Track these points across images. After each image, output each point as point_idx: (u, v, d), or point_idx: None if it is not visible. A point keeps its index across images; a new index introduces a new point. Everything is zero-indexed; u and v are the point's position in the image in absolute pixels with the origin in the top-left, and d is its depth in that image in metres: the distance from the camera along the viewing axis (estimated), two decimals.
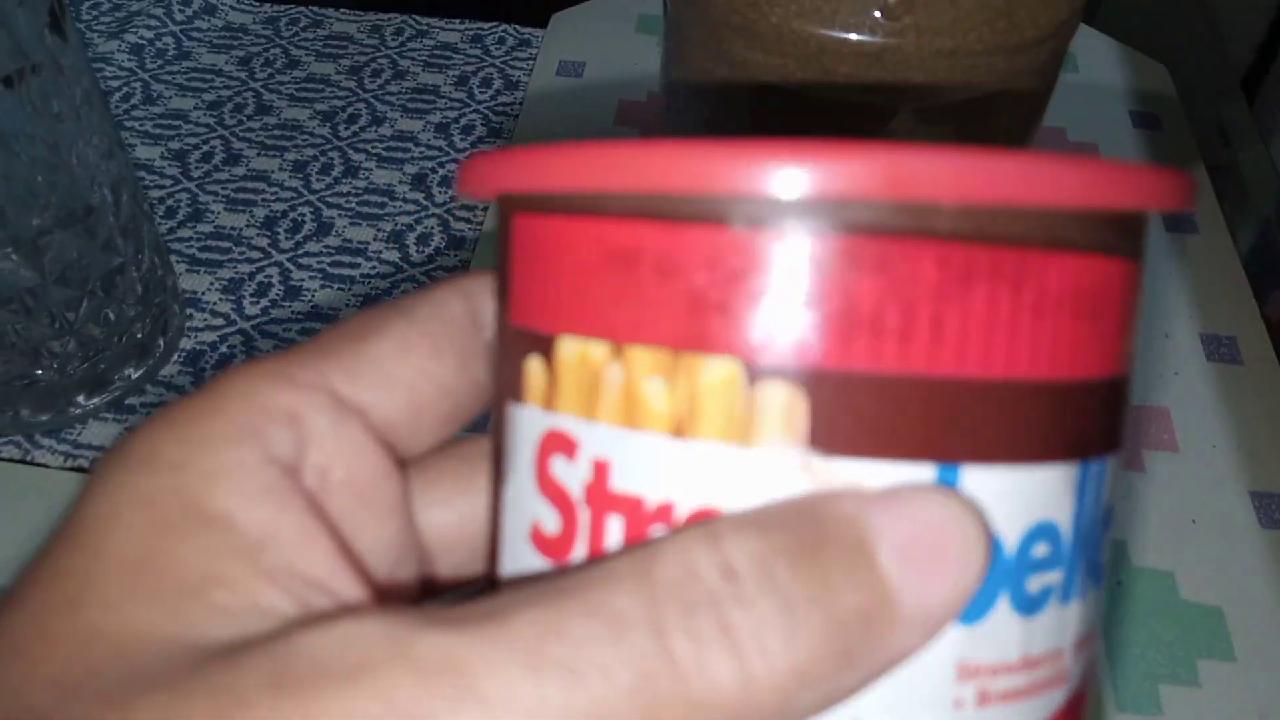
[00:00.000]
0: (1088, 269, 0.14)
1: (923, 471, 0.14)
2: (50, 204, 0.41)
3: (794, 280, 0.14)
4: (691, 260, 0.14)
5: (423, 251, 0.52)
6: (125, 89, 0.61)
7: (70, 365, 0.44)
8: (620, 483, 0.15)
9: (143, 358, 0.46)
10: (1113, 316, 0.15)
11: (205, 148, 0.57)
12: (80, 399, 0.44)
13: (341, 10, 0.66)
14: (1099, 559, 0.16)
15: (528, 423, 0.16)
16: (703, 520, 0.14)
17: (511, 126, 0.59)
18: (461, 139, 0.58)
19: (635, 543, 0.15)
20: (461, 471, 0.20)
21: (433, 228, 0.53)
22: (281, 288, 0.50)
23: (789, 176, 0.13)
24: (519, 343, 0.16)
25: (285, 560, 0.15)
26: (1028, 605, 0.14)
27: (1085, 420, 0.15)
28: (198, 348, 0.47)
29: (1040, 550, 0.15)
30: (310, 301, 0.49)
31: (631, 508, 0.15)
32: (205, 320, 0.48)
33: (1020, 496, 0.14)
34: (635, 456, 0.14)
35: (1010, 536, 0.14)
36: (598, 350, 0.15)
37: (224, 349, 0.47)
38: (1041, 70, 0.39)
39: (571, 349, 0.15)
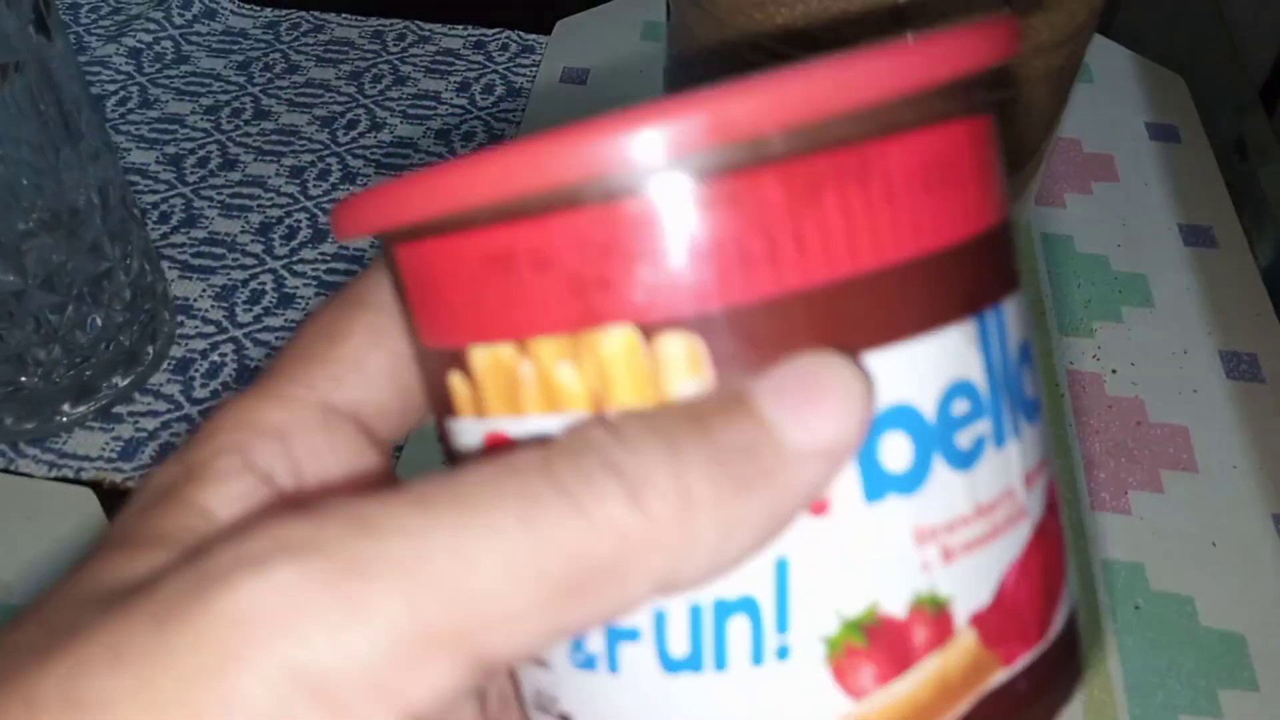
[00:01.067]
0: (925, 143, 0.15)
1: None
2: (35, 207, 0.40)
3: (658, 238, 0.14)
4: (561, 248, 0.15)
5: None
6: (122, 93, 0.60)
7: (56, 372, 0.42)
8: None
9: (131, 365, 0.44)
10: (967, 175, 0.16)
11: (201, 152, 0.56)
12: (66, 407, 0.43)
13: (343, 15, 0.65)
14: (1025, 395, 0.16)
15: (467, 434, 0.17)
16: None
17: (514, 133, 0.58)
18: (463, 145, 0.57)
19: None
20: None
21: None
22: (275, 295, 0.49)
23: (620, 149, 0.14)
24: (437, 362, 0.17)
25: None
26: (964, 459, 0.15)
27: (968, 279, 0.16)
28: (188, 356, 0.46)
29: (961, 407, 0.15)
30: (304, 309, 0.48)
31: None
32: (196, 328, 0.47)
33: (926, 365, 0.15)
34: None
35: (927, 404, 0.15)
36: (505, 351, 0.16)
37: (215, 357, 0.46)
38: (1057, 76, 0.38)
39: (483, 356, 0.16)
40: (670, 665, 0.16)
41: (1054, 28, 0.35)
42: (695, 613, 0.15)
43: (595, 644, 0.16)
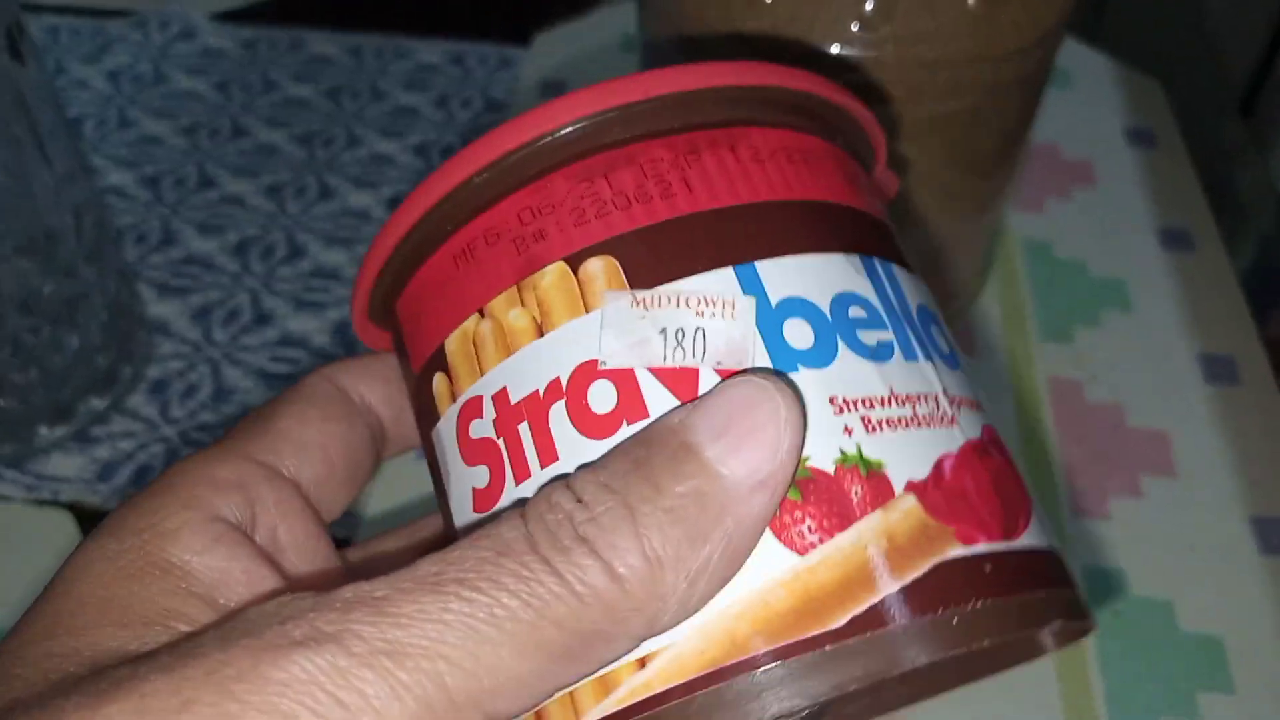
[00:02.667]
0: (784, 136, 0.20)
1: (724, 274, 0.18)
2: (10, 230, 0.40)
3: (577, 193, 0.18)
4: (506, 221, 0.19)
5: None
6: (101, 114, 0.60)
7: (32, 395, 0.42)
8: (517, 394, 0.18)
9: (108, 387, 0.44)
10: (828, 168, 0.20)
11: (179, 172, 0.56)
12: (43, 429, 0.43)
13: (321, 32, 0.66)
14: (939, 345, 0.19)
15: (447, 427, 0.19)
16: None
17: None
18: (441, 160, 0.57)
19: (543, 434, 0.18)
20: (392, 539, 0.24)
21: None
22: (252, 314, 0.49)
23: (547, 133, 0.18)
24: (424, 378, 0.20)
25: (239, 598, 0.18)
26: (871, 354, 0.18)
27: (846, 229, 0.19)
28: (165, 376, 0.46)
29: (856, 311, 0.18)
30: (281, 328, 0.48)
31: (530, 405, 0.18)
32: (174, 348, 0.47)
33: (814, 275, 0.18)
34: (520, 369, 0.18)
35: (821, 301, 0.18)
36: (470, 324, 0.19)
37: (192, 377, 0.46)
38: (1027, 81, 0.38)
39: (454, 339, 0.19)
40: None
41: (1022, 33, 0.35)
42: None
43: None
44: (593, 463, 0.17)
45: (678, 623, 0.16)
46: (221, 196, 0.55)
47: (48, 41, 0.64)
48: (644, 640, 0.16)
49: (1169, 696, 0.37)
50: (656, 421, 0.17)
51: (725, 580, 0.16)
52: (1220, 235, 0.54)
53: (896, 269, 0.20)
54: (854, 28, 0.34)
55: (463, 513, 0.19)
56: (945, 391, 0.19)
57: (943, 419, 0.18)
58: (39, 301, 0.41)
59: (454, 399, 0.19)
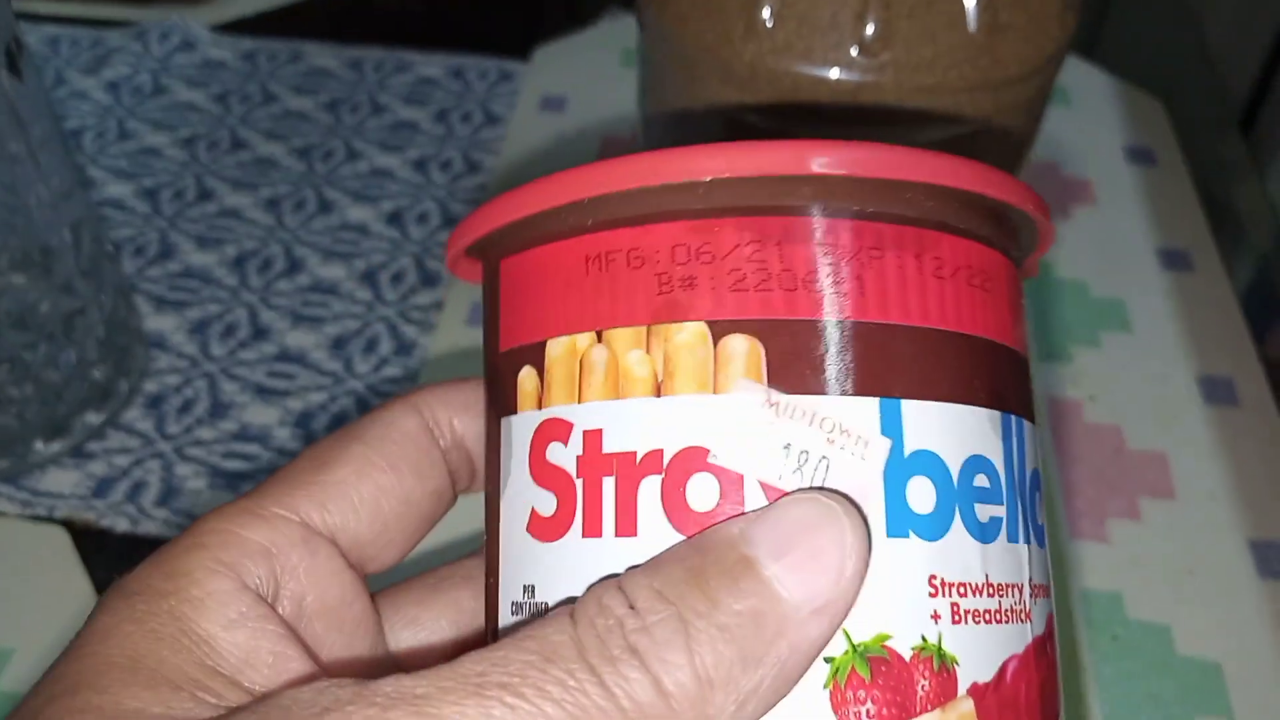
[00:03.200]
0: (971, 249, 0.18)
1: (868, 405, 0.16)
2: (7, 246, 0.40)
3: (744, 253, 0.16)
4: (658, 249, 0.17)
5: (396, 290, 0.50)
6: (100, 126, 0.60)
7: (28, 410, 0.42)
8: (611, 444, 0.17)
9: (104, 401, 0.44)
10: (1002, 294, 0.18)
11: (178, 185, 0.56)
12: (39, 445, 0.43)
13: (321, 44, 0.65)
14: (1036, 515, 0.18)
15: (522, 426, 0.18)
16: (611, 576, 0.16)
17: (492, 163, 0.58)
18: (440, 174, 0.57)
19: (627, 502, 0.16)
20: (426, 595, 0.22)
21: (407, 265, 0.52)
22: (249, 328, 0.48)
23: (731, 167, 0.16)
24: (510, 363, 0.19)
25: (264, 680, 0.17)
26: (981, 531, 0.17)
27: (998, 376, 0.18)
28: (161, 391, 0.46)
29: (981, 480, 0.17)
30: (279, 343, 0.48)
31: (623, 464, 0.17)
32: (170, 362, 0.47)
33: (955, 430, 0.17)
34: (623, 420, 0.17)
35: (953, 462, 0.17)
36: (583, 339, 0.17)
37: (188, 392, 0.46)
38: (1027, 107, 0.38)
39: (560, 345, 0.18)
40: None
41: (1022, 61, 0.35)
42: None
43: None
44: (646, 564, 0.16)
45: None
46: (220, 209, 0.55)
47: (47, 52, 0.64)
48: None
49: None
50: (715, 528, 0.16)
51: (772, 706, 0.16)
52: (1219, 255, 0.54)
53: (1027, 428, 0.18)
54: (853, 53, 0.34)
55: (515, 523, 0.18)
56: (1030, 580, 0.18)
57: (1021, 615, 0.17)
58: (35, 317, 0.41)
59: (539, 406, 0.18)
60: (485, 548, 0.19)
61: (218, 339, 0.48)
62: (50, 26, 0.66)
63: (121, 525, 0.41)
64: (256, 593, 0.18)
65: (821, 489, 0.16)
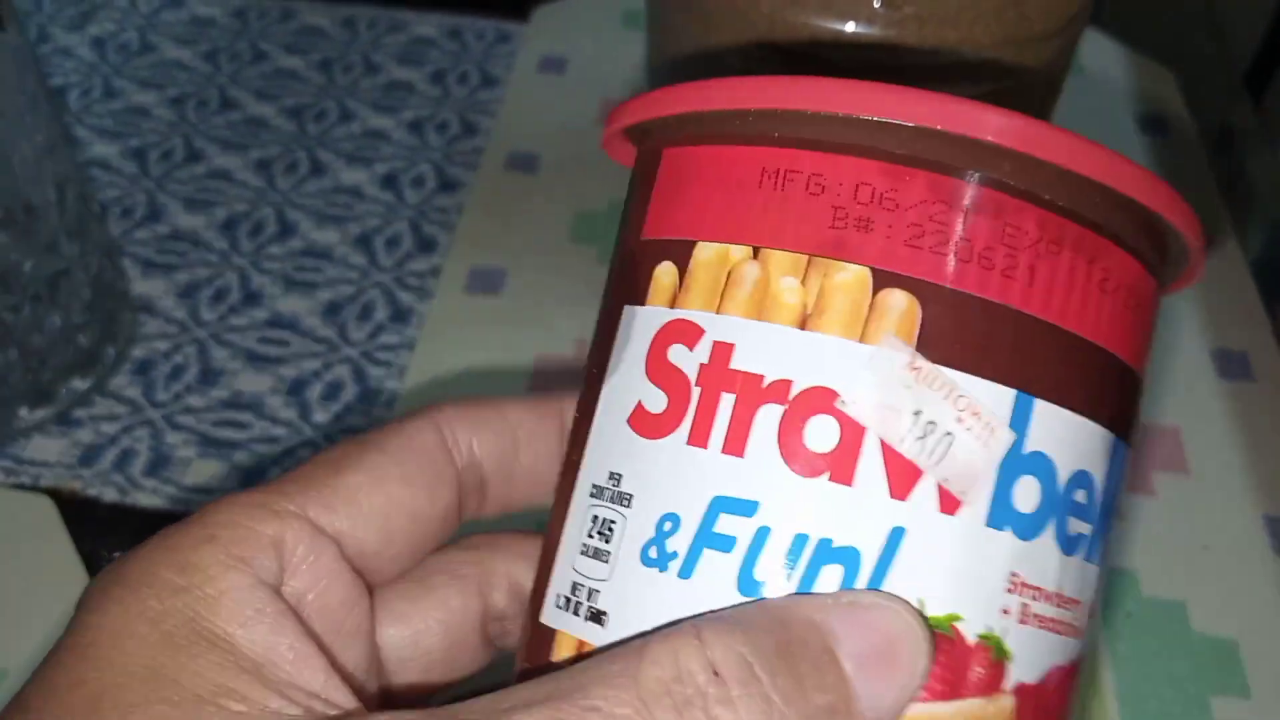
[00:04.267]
0: (1135, 269, 0.18)
1: (1005, 394, 0.16)
2: None
3: (928, 210, 0.16)
4: (842, 182, 0.16)
5: (392, 255, 0.49)
6: (85, 84, 0.58)
7: (11, 376, 0.41)
8: (740, 363, 0.16)
9: (90, 367, 0.43)
10: (1148, 320, 0.18)
11: (166, 145, 0.54)
12: (23, 412, 0.42)
13: (313, 3, 0.64)
14: (1109, 541, 0.19)
15: (646, 320, 0.18)
16: (690, 623, 0.16)
17: (489, 124, 0.56)
18: (436, 136, 0.55)
19: (743, 422, 0.16)
20: (415, 591, 0.21)
21: (402, 230, 0.50)
22: (240, 293, 0.47)
23: (939, 119, 0.16)
24: (649, 253, 0.18)
25: (285, 676, 0.17)
26: (1067, 544, 0.17)
27: (1123, 399, 0.18)
28: (150, 357, 0.44)
29: (1080, 496, 0.17)
30: (270, 308, 0.46)
31: (747, 384, 0.16)
32: (159, 327, 0.46)
33: (1075, 441, 0.17)
34: (759, 341, 0.16)
35: (1063, 473, 0.17)
36: (738, 251, 0.17)
37: (178, 358, 0.44)
38: (1050, 66, 0.37)
39: (710, 250, 0.17)
40: (747, 586, 0.16)
41: (1049, 17, 0.34)
42: (799, 542, 0.16)
43: (678, 543, 0.16)
44: (727, 619, 0.16)
45: None
46: (209, 171, 0.53)
47: (30, 7, 0.63)
48: None
49: (1182, 700, 0.36)
50: (795, 607, 0.16)
51: None
52: (1231, 227, 0.53)
53: (1126, 454, 0.19)
54: (875, 5, 0.33)
55: (616, 411, 0.18)
56: (1091, 600, 0.18)
57: (1077, 630, 0.18)
58: (18, 278, 0.39)
59: (672, 304, 0.17)
60: (573, 428, 0.19)
61: (208, 304, 0.47)
62: None
63: (110, 495, 0.40)
64: (270, 588, 0.18)
65: (905, 604, 0.16)
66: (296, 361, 0.44)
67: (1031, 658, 0.17)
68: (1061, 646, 0.17)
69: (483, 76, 0.59)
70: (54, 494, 0.40)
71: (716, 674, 0.15)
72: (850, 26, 0.33)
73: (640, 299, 0.18)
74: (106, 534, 0.39)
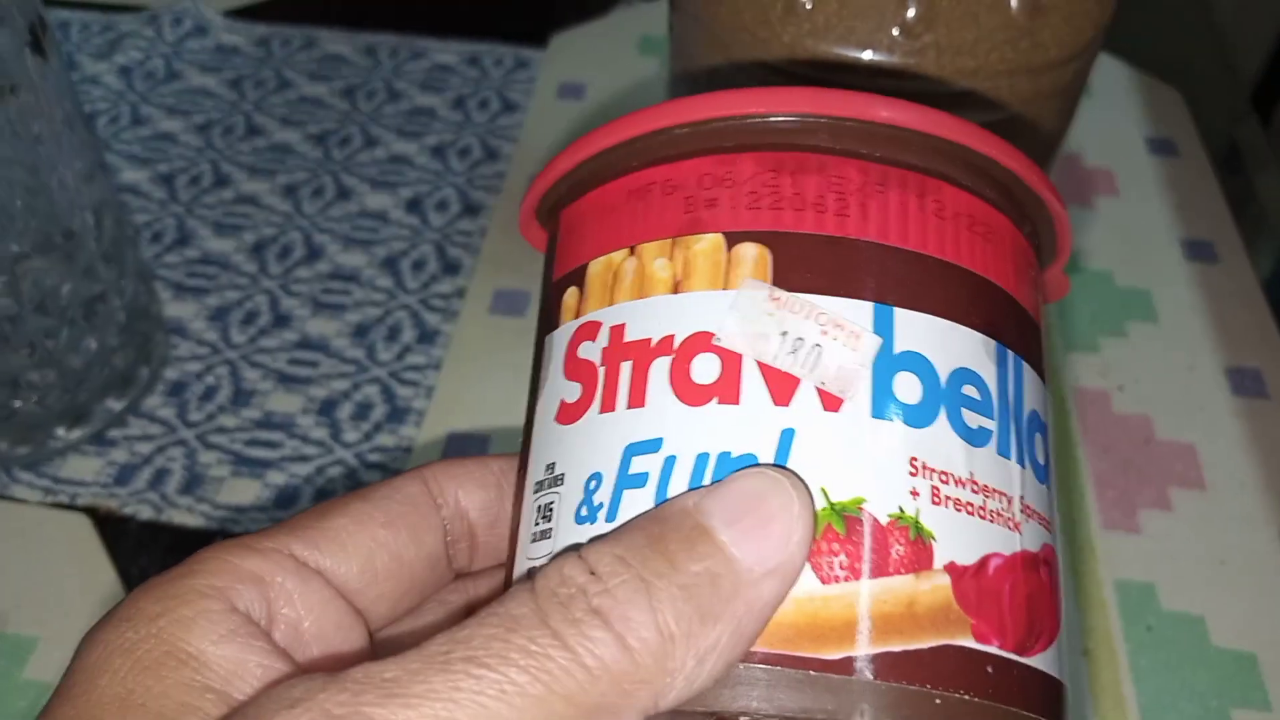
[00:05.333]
0: (974, 203, 0.20)
1: (863, 306, 0.18)
2: (29, 229, 0.39)
3: (760, 179, 0.19)
4: (688, 179, 0.19)
5: (418, 278, 0.50)
6: (113, 111, 0.59)
7: (49, 396, 0.42)
8: (632, 334, 0.19)
9: (125, 388, 0.44)
10: (1005, 248, 0.20)
11: (194, 171, 0.55)
12: (60, 431, 0.42)
13: (335, 30, 0.65)
14: (1035, 454, 0.20)
15: (561, 338, 0.20)
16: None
17: (510, 150, 0.57)
18: (458, 161, 0.56)
19: (640, 379, 0.18)
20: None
21: (428, 253, 0.51)
22: (270, 315, 0.48)
23: (753, 111, 0.19)
24: (558, 288, 0.21)
25: (254, 691, 0.17)
26: (968, 434, 0.18)
27: (994, 310, 0.19)
28: (182, 378, 0.45)
29: (969, 390, 0.19)
30: (299, 330, 0.47)
31: (640, 349, 0.19)
32: (191, 349, 0.47)
33: (944, 341, 0.18)
34: (644, 313, 0.19)
35: (941, 367, 0.18)
36: (618, 256, 0.20)
37: (210, 379, 0.45)
38: (1064, 92, 0.37)
39: (598, 264, 0.20)
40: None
41: (1062, 45, 0.35)
42: (701, 460, 0.18)
43: (603, 495, 0.18)
44: (606, 535, 0.17)
45: (681, 700, 0.16)
46: (237, 196, 0.54)
47: (58, 36, 0.64)
48: (648, 713, 0.16)
49: (1202, 714, 0.37)
50: (670, 501, 0.17)
51: (731, 662, 0.17)
52: (1242, 244, 0.53)
53: (1026, 368, 0.20)
54: (895, 34, 0.34)
55: (545, 417, 0.20)
56: (1022, 498, 0.19)
57: (1008, 522, 0.18)
58: (57, 302, 0.40)
59: (577, 315, 0.20)
60: (519, 456, 0.21)
61: (238, 326, 0.48)
62: (61, 10, 0.65)
63: (145, 513, 0.41)
64: (247, 615, 0.19)
65: (771, 465, 0.17)
66: (326, 382, 0.45)
67: (958, 540, 0.18)
68: (994, 534, 0.18)
69: (503, 102, 0.60)
70: (91, 512, 0.41)
71: (593, 573, 0.16)
72: (869, 55, 0.34)
73: (555, 325, 0.21)
74: (142, 551, 0.40)
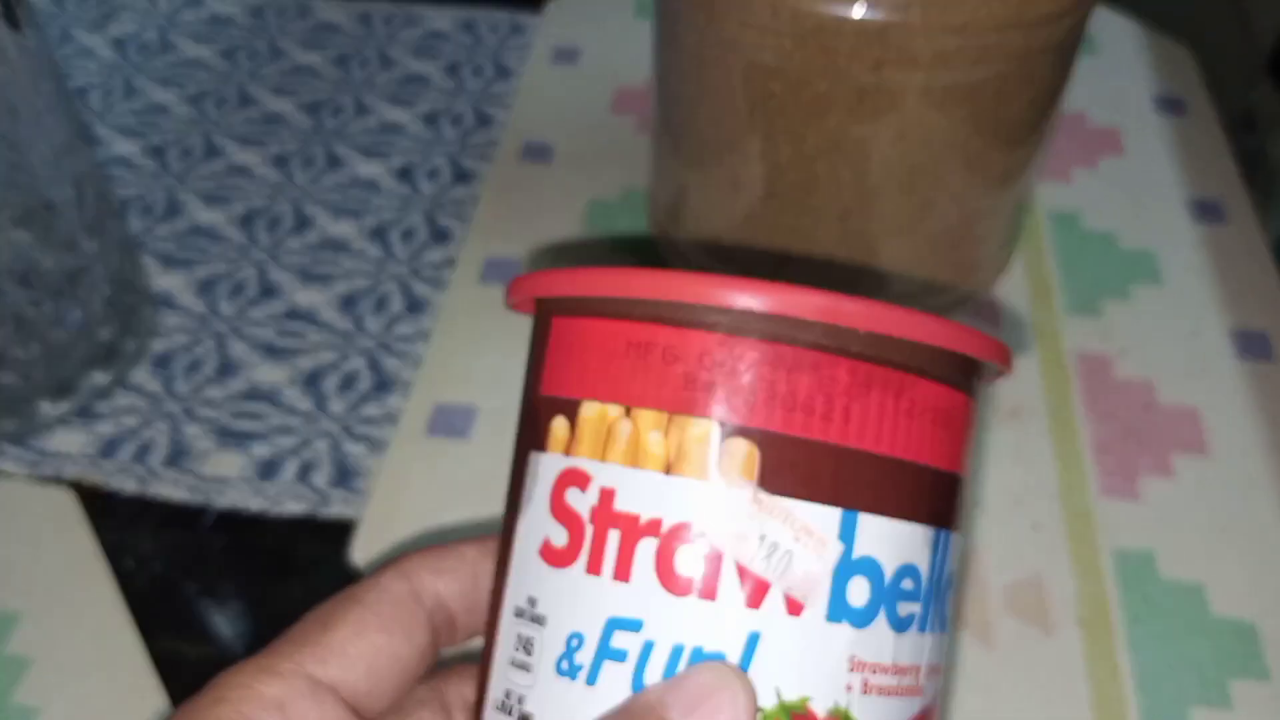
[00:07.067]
0: (942, 393, 0.21)
1: (832, 513, 0.20)
2: (8, 201, 0.39)
3: (758, 372, 0.20)
4: (690, 352, 0.20)
5: (407, 247, 0.49)
6: (107, 84, 0.59)
7: (34, 370, 0.41)
8: (622, 505, 0.20)
9: (110, 361, 0.43)
10: (957, 430, 0.22)
11: (185, 142, 0.55)
12: (45, 405, 0.42)
13: None
14: (946, 611, 0.22)
15: (548, 465, 0.21)
16: None
17: (504, 116, 0.56)
18: (451, 129, 0.55)
19: (627, 554, 0.20)
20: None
21: (418, 222, 0.50)
22: (258, 287, 0.47)
23: (759, 303, 0.19)
24: (547, 407, 0.21)
25: None
26: (898, 624, 0.20)
27: (940, 499, 0.21)
28: (169, 350, 0.45)
29: (907, 584, 0.20)
30: (287, 300, 0.47)
31: (629, 522, 0.20)
32: (178, 321, 0.46)
33: (897, 542, 0.20)
34: (636, 486, 0.20)
35: (888, 568, 0.20)
36: (614, 410, 0.20)
37: (197, 351, 0.45)
38: (1059, 49, 0.36)
39: (592, 409, 0.21)
40: (640, 689, 0.20)
41: None
42: (676, 651, 0.19)
43: (584, 657, 0.20)
44: None
45: None
46: (228, 166, 0.53)
47: (53, 9, 0.63)
48: None
49: (1201, 683, 0.36)
50: (638, 696, 0.19)
51: None
52: (1252, 206, 0.52)
53: (953, 539, 0.22)
54: None
55: (528, 545, 0.21)
56: (928, 662, 0.21)
57: (915, 689, 0.21)
58: (39, 274, 0.40)
59: (567, 453, 0.21)
60: (498, 557, 0.23)
61: (226, 297, 0.47)
62: None
63: (130, 486, 0.41)
64: None
65: (723, 664, 0.19)
66: (313, 353, 0.45)
67: (878, 718, 0.20)
68: (904, 705, 0.21)
69: (497, 68, 0.59)
70: (76, 486, 0.41)
71: None
72: (855, 12, 0.33)
73: (542, 446, 0.21)
74: (127, 525, 0.40)
